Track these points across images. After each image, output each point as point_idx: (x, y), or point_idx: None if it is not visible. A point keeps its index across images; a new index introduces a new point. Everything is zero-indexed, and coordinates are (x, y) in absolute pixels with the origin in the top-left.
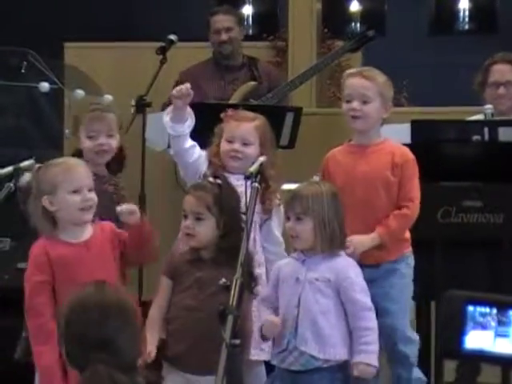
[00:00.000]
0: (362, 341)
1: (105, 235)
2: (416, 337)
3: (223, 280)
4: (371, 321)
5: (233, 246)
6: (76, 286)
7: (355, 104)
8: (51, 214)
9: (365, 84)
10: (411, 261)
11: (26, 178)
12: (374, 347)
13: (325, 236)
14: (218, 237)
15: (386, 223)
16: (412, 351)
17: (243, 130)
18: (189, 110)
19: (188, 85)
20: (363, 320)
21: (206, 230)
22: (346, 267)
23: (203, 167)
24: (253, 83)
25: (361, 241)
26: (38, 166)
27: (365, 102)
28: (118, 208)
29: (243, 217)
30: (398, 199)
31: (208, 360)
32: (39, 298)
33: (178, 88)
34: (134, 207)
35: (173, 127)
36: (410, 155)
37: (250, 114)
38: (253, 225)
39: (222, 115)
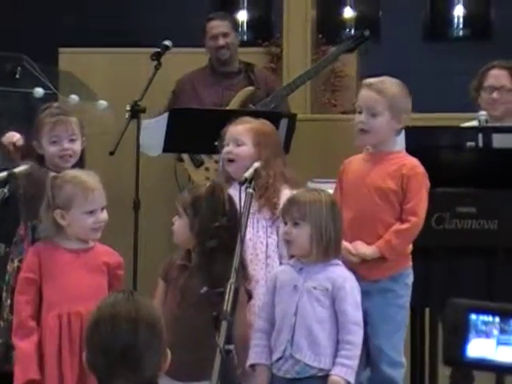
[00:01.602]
0: (342, 353)
1: (104, 257)
2: (403, 361)
3: (204, 289)
4: (356, 335)
5: (206, 252)
6: (64, 285)
7: (363, 117)
8: (60, 226)
9: (374, 97)
10: (410, 279)
11: (22, 168)
12: (353, 363)
13: (321, 244)
14: (194, 240)
15: (388, 239)
16: (397, 374)
17: (235, 131)
18: None
19: None
20: (349, 334)
21: (180, 229)
22: (342, 278)
23: None
24: (251, 88)
25: (362, 251)
26: (53, 174)
27: (373, 115)
28: None
29: (222, 227)
30: (403, 212)
31: (192, 369)
32: (23, 295)
33: None
34: None
35: None
36: (420, 169)
37: (249, 118)
38: (259, 230)
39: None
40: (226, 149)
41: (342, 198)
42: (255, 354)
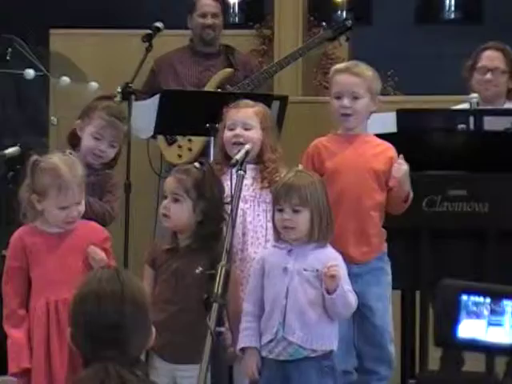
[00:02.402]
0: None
1: (88, 237)
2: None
3: (200, 269)
4: (354, 301)
5: (209, 234)
6: (49, 272)
7: (346, 101)
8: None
9: (354, 81)
10: (387, 257)
11: (13, 149)
12: (350, 293)
13: (322, 226)
14: (196, 223)
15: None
16: (393, 350)
17: (243, 115)
18: None
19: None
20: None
21: (181, 213)
22: (332, 259)
23: None
24: (229, 70)
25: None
26: (35, 158)
27: (355, 99)
28: (89, 249)
29: (227, 207)
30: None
31: (189, 350)
32: (10, 284)
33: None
34: (102, 257)
35: None
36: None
37: (250, 102)
38: (260, 214)
39: (224, 110)
40: (234, 132)
41: (327, 179)
42: (245, 338)
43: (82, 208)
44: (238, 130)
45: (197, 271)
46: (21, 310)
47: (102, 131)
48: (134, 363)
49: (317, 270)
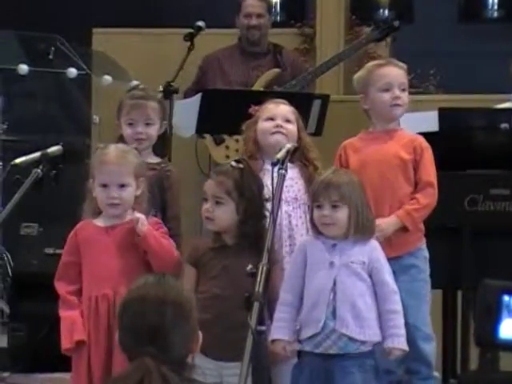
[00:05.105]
0: (391, 324)
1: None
2: (433, 334)
3: (250, 267)
4: (398, 304)
5: (254, 232)
6: (93, 267)
7: (397, 92)
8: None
9: (401, 72)
10: (427, 253)
11: (55, 148)
12: (403, 331)
13: (358, 223)
14: (238, 222)
15: (409, 211)
16: (431, 349)
17: (284, 109)
18: None
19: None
20: (391, 303)
21: (225, 215)
22: (375, 250)
23: None
24: (276, 70)
25: (387, 223)
26: (100, 145)
27: (403, 90)
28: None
29: (267, 203)
30: (419, 181)
31: (237, 347)
32: (61, 280)
33: None
34: (141, 217)
35: None
36: (428, 144)
37: (285, 101)
38: (302, 216)
39: (250, 110)
40: (276, 122)
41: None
42: (278, 330)
43: (126, 194)
44: (280, 121)
45: (247, 269)
46: (71, 296)
47: (130, 116)
48: (178, 364)
49: (363, 263)
